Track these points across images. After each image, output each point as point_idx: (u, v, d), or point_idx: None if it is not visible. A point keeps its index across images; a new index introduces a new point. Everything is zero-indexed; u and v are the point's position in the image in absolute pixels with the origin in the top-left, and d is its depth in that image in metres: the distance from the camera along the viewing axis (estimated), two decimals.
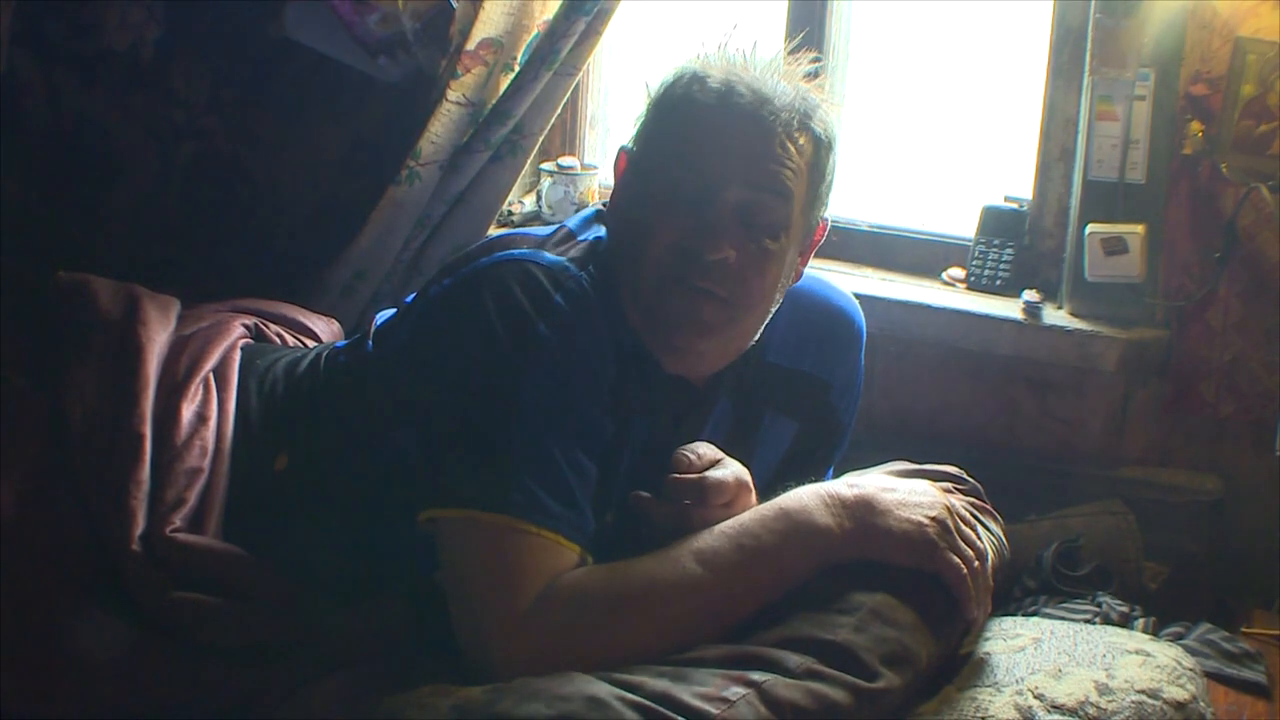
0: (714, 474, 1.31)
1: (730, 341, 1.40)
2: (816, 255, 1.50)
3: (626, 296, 1.37)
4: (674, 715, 1.12)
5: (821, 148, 1.40)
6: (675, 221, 1.34)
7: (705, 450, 1.34)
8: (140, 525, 1.37)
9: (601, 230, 1.44)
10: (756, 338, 1.44)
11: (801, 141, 1.37)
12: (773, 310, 1.43)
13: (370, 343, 1.50)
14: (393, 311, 1.54)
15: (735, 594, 1.26)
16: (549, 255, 1.36)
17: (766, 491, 1.37)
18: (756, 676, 1.17)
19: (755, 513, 1.31)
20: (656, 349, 1.38)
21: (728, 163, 1.34)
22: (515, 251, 1.36)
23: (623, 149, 1.45)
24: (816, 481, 1.57)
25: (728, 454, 1.37)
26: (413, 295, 1.50)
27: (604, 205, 1.49)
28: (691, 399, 1.45)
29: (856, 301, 1.62)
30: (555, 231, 1.45)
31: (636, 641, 1.21)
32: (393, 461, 1.36)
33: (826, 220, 1.47)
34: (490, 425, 1.26)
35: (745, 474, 1.35)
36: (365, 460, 1.41)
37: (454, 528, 1.25)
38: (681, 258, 1.33)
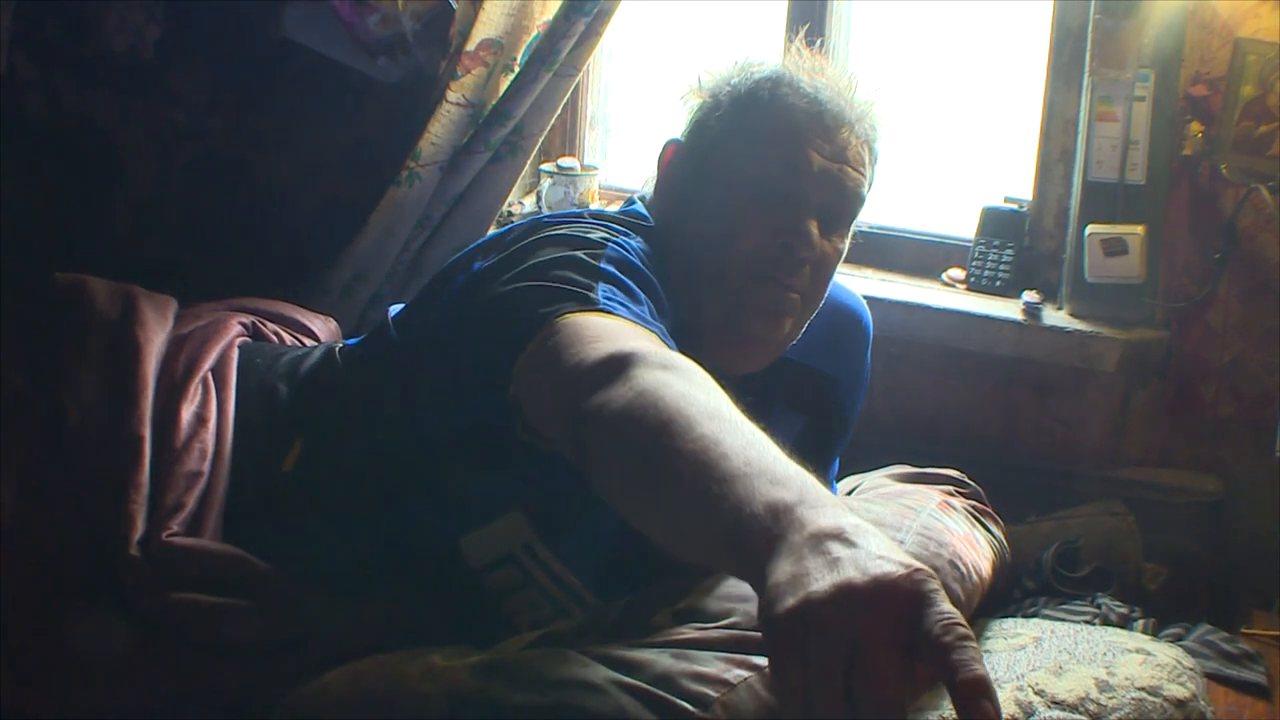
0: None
1: (790, 337, 1.46)
2: None
3: (703, 286, 1.40)
4: (671, 698, 1.11)
5: (877, 160, 1.50)
6: (769, 218, 1.40)
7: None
8: (139, 530, 1.36)
9: (636, 213, 1.48)
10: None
11: (867, 152, 1.47)
12: None
13: (392, 330, 1.49)
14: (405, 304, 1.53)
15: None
16: (606, 223, 1.39)
17: None
18: (759, 661, 1.17)
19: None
20: (713, 334, 1.40)
21: (819, 166, 1.42)
22: (569, 215, 1.40)
23: (674, 141, 1.50)
24: (820, 474, 1.58)
25: None
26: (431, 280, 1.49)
27: (638, 197, 1.53)
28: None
29: (865, 302, 1.66)
30: (587, 212, 1.50)
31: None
32: (414, 443, 1.36)
33: None
34: (575, 266, 1.21)
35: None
36: (386, 445, 1.40)
37: (543, 338, 1.13)
38: (775, 254, 1.40)
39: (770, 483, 0.87)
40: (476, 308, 1.31)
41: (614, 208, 1.56)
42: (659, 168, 1.53)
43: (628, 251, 1.31)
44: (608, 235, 1.33)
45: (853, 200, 1.45)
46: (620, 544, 1.37)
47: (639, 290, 1.25)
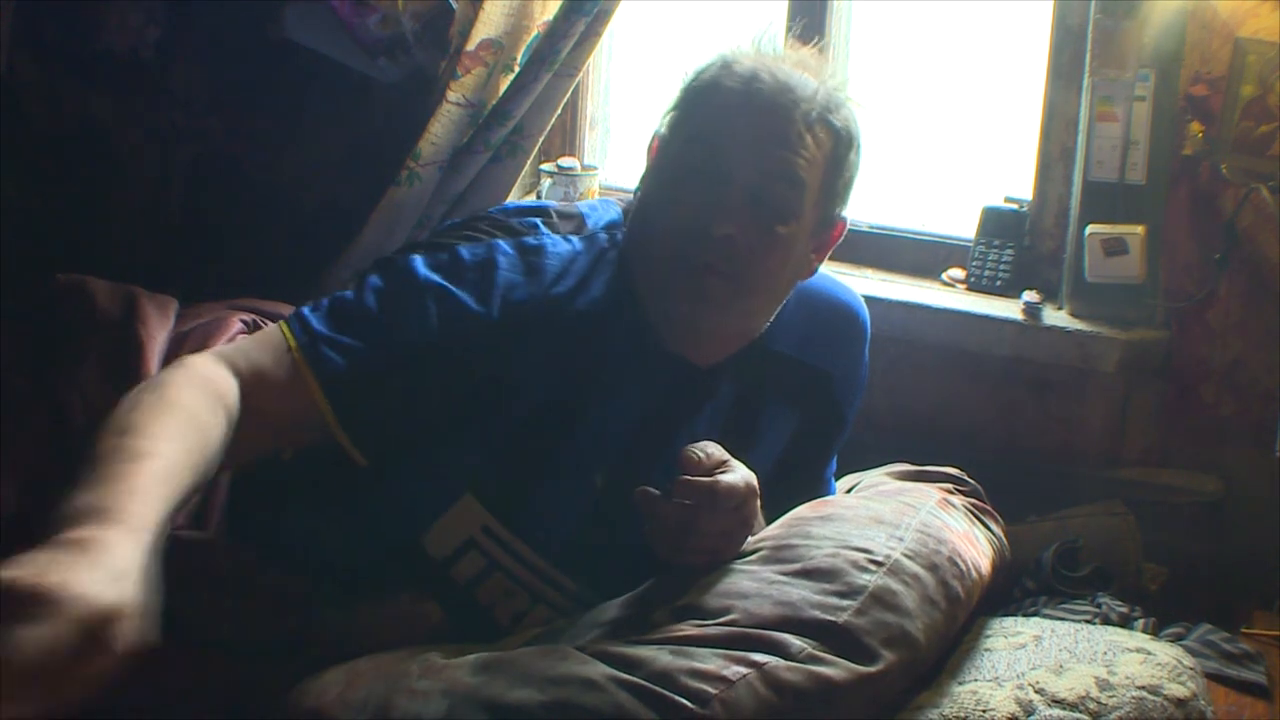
0: (725, 478, 1.31)
1: (733, 321, 1.43)
2: None
3: (637, 270, 1.41)
4: (670, 695, 1.11)
5: (841, 143, 1.43)
6: (688, 199, 1.38)
7: (714, 450, 1.34)
8: None
9: (616, 213, 1.49)
10: (765, 326, 1.46)
11: (820, 133, 1.40)
12: (782, 299, 1.46)
13: None
14: None
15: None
16: (545, 229, 1.45)
17: (768, 480, 1.37)
18: (758, 658, 1.17)
19: None
20: (658, 322, 1.41)
21: (743, 145, 1.38)
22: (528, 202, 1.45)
23: (655, 134, 1.50)
24: (818, 471, 1.59)
25: (730, 444, 1.37)
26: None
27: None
28: (692, 379, 1.45)
29: (862, 299, 1.64)
30: (586, 205, 1.53)
31: None
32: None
33: (844, 220, 1.49)
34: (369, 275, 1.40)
35: (753, 478, 1.34)
36: None
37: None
38: (688, 234, 1.37)
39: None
40: None
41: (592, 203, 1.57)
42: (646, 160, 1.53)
43: (472, 267, 1.38)
44: (491, 239, 1.41)
45: (790, 184, 1.38)
46: (586, 521, 1.38)
47: (384, 315, 1.36)
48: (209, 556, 1.37)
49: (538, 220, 1.46)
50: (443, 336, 1.35)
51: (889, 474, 1.69)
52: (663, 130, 1.47)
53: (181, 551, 1.35)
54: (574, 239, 1.45)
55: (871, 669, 1.20)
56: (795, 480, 1.54)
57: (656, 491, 1.30)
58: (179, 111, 2.24)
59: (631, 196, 1.51)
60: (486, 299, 1.36)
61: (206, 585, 1.35)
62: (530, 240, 1.42)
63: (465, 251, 1.40)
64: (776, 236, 1.39)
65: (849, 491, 1.67)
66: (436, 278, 1.37)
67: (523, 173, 2.14)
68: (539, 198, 2.30)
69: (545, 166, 2.30)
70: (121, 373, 1.48)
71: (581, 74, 2.08)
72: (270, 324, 1.72)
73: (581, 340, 1.39)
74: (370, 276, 1.41)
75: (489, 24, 2.03)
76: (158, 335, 1.53)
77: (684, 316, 1.39)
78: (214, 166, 2.26)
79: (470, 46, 2.03)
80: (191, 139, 2.25)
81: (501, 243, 1.41)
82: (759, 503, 1.36)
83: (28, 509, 1.39)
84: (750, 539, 1.37)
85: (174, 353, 1.53)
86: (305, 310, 1.37)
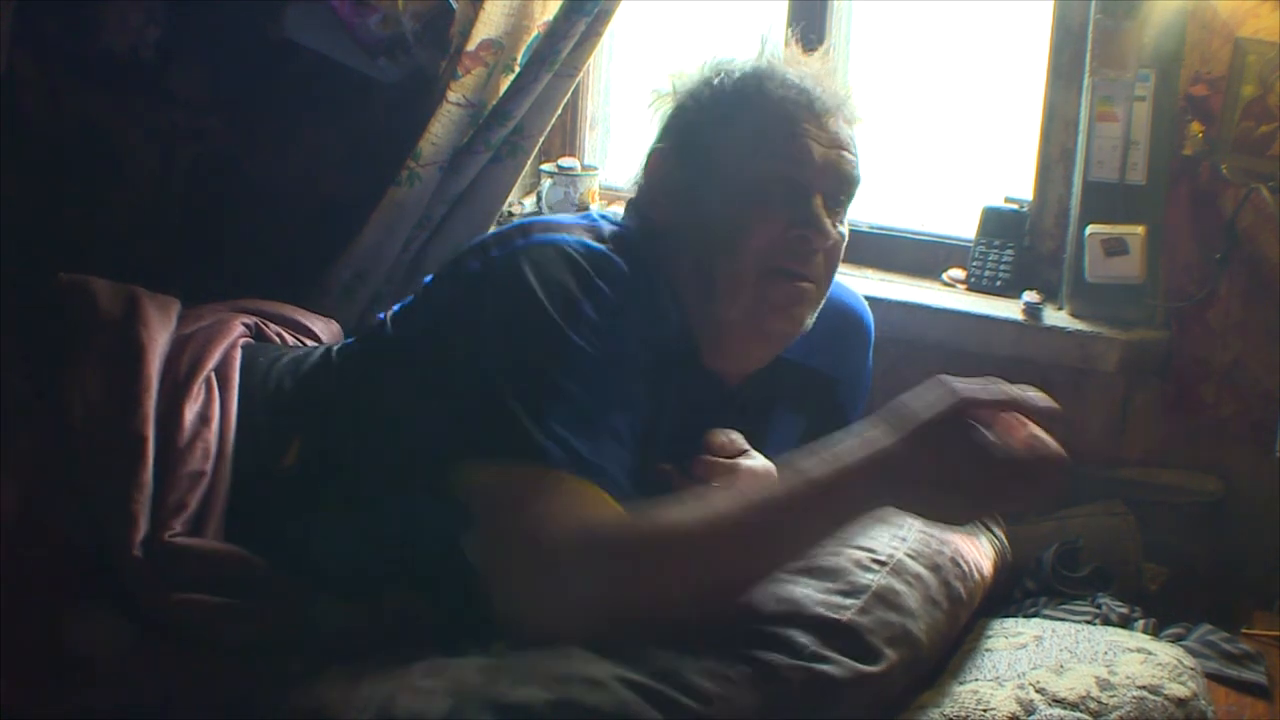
0: (747, 462, 1.31)
1: (807, 327, 1.46)
2: None
3: (701, 286, 1.40)
4: (673, 694, 1.11)
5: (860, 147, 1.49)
6: (780, 213, 1.40)
7: (737, 437, 1.36)
8: (142, 530, 1.36)
9: (620, 222, 1.47)
10: None
11: (854, 135, 1.47)
12: None
13: (389, 327, 1.49)
14: (408, 299, 1.54)
15: (777, 536, 1.19)
16: (590, 241, 1.36)
17: None
18: (761, 655, 1.17)
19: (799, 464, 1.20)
20: (741, 335, 1.42)
21: (819, 154, 1.42)
22: (557, 236, 1.36)
23: (658, 148, 1.48)
24: None
25: None
26: (430, 278, 1.49)
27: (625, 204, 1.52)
28: (720, 396, 1.47)
29: (865, 301, 1.65)
30: (583, 220, 1.46)
31: (670, 585, 1.17)
32: (411, 444, 1.35)
33: None
34: (531, 384, 1.24)
35: (773, 468, 1.35)
36: (382, 444, 1.40)
37: (489, 486, 1.22)
38: (790, 247, 1.39)
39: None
40: (427, 374, 1.34)
41: (609, 210, 1.54)
42: (647, 176, 1.50)
43: (595, 329, 1.26)
44: (567, 291, 1.28)
45: (853, 182, 1.46)
46: None
47: (594, 396, 1.24)
48: (209, 560, 1.37)
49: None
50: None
51: None
52: (672, 144, 1.47)
53: (181, 556, 1.35)
54: (614, 258, 1.37)
55: (873, 668, 1.20)
56: None
57: (674, 469, 1.30)
58: (179, 111, 2.24)
59: (634, 209, 1.49)
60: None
61: (207, 588, 1.35)
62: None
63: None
64: (844, 237, 1.45)
65: None
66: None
67: (523, 173, 2.14)
68: (539, 198, 2.30)
69: (545, 166, 2.30)
70: (120, 375, 1.48)
71: (582, 74, 2.09)
72: (272, 327, 1.72)
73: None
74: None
75: (489, 24, 2.03)
76: (159, 337, 1.53)
77: (780, 329, 1.42)
78: (214, 166, 2.26)
79: (470, 46, 2.03)
80: (191, 139, 2.25)
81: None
82: None
83: (28, 508, 1.39)
84: None
85: (175, 355, 1.53)
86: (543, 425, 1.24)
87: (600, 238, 1.40)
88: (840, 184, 1.44)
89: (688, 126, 1.48)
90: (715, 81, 1.47)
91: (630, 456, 1.26)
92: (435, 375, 1.34)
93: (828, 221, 1.42)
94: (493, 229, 2.14)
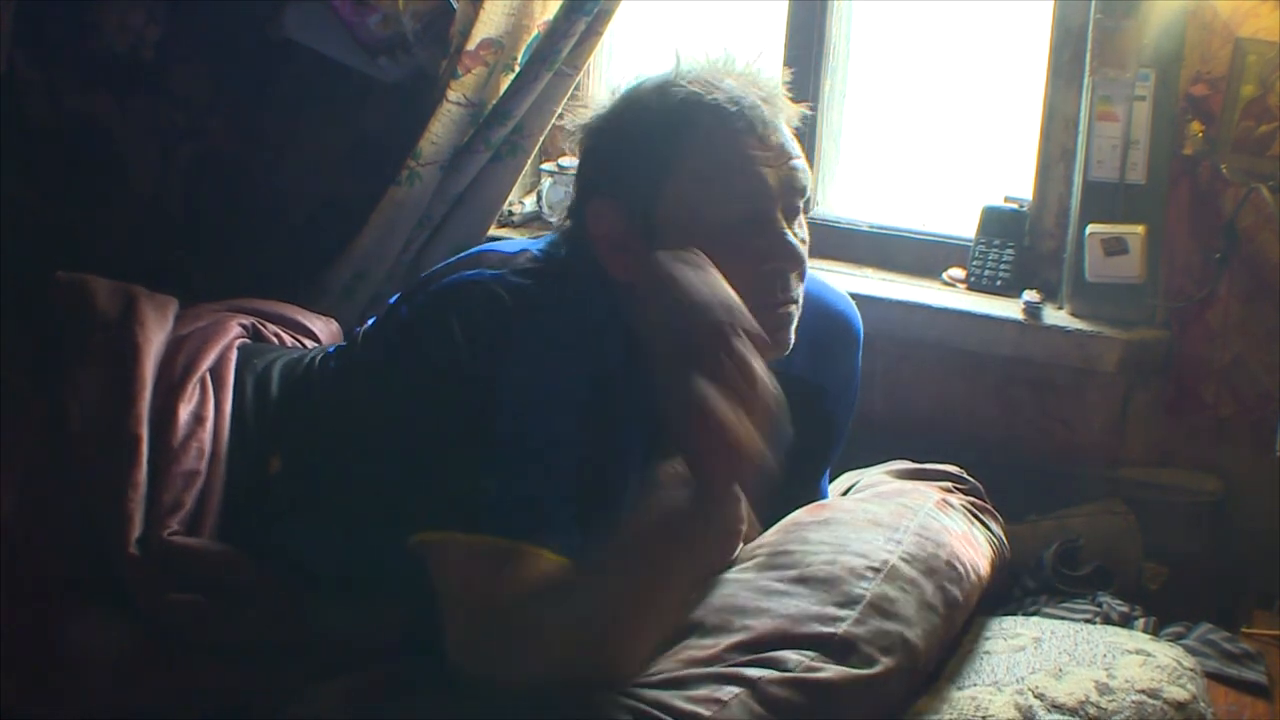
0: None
1: (788, 349, 1.39)
2: (817, 256, 1.50)
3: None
4: (666, 718, 1.12)
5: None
6: (752, 252, 1.32)
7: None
8: (137, 528, 1.37)
9: (564, 249, 1.40)
10: None
11: (791, 131, 1.38)
12: None
13: (359, 346, 1.48)
14: (371, 320, 1.52)
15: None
16: (513, 276, 1.32)
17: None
18: (751, 674, 1.17)
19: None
20: None
21: (774, 179, 1.33)
22: (481, 271, 1.33)
23: (599, 204, 1.36)
24: (811, 484, 1.58)
25: None
26: (395, 297, 1.47)
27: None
28: None
29: (853, 302, 1.61)
30: (520, 253, 1.41)
31: (623, 640, 1.17)
32: (380, 466, 1.35)
33: None
34: (463, 449, 1.24)
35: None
36: (355, 464, 1.40)
37: (436, 550, 1.23)
38: (764, 284, 1.32)
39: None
40: (377, 414, 1.36)
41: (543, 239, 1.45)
42: (591, 230, 1.36)
43: (518, 375, 1.25)
44: (490, 337, 1.27)
45: (807, 186, 1.37)
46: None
47: (521, 449, 1.23)
48: (204, 560, 1.37)
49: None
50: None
51: (888, 473, 1.69)
52: (637, 189, 1.34)
53: (178, 555, 1.35)
54: (534, 290, 1.33)
55: (869, 672, 1.20)
56: (788, 494, 1.52)
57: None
58: (179, 111, 2.25)
59: (575, 249, 1.39)
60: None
61: (202, 587, 1.35)
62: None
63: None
64: (806, 244, 1.38)
65: (848, 490, 1.67)
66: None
67: (523, 172, 2.14)
68: (539, 197, 2.30)
69: (546, 166, 2.30)
70: (115, 376, 1.48)
71: (582, 73, 2.08)
72: (270, 327, 1.72)
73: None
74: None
75: (489, 23, 2.03)
76: (154, 339, 1.53)
77: (768, 359, 1.35)
78: (214, 166, 2.26)
79: (471, 46, 2.03)
80: (191, 139, 2.26)
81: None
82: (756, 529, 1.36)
83: (25, 508, 1.39)
84: (747, 545, 1.37)
85: (170, 355, 1.53)
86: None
87: (537, 272, 1.35)
88: (796, 194, 1.35)
89: (627, 174, 1.35)
90: (645, 119, 1.35)
91: (568, 490, 1.24)
92: (384, 420, 1.34)
93: (795, 239, 1.34)
94: (491, 229, 2.14)
